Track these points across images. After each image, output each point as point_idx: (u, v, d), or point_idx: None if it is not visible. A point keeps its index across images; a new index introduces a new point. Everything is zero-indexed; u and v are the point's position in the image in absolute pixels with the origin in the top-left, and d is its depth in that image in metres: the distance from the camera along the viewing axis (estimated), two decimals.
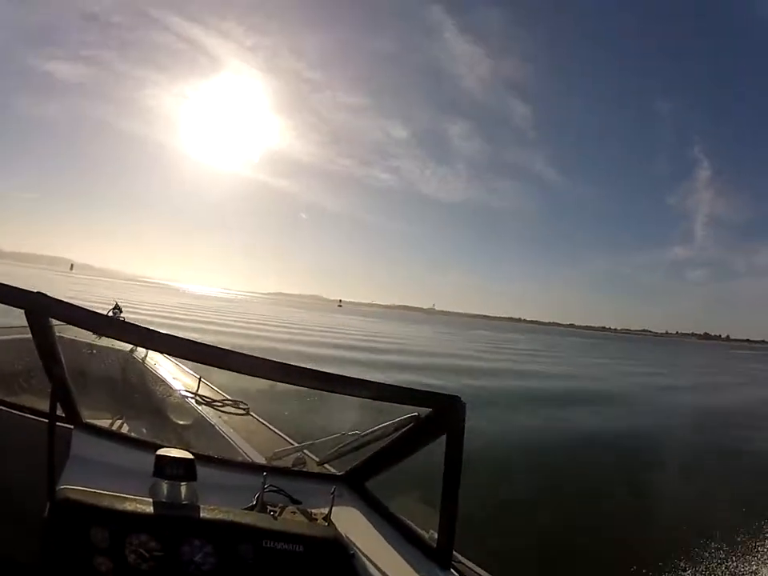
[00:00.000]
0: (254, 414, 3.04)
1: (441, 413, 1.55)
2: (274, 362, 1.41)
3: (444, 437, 1.52)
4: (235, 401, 3.14)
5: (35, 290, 1.35)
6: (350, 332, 34.76)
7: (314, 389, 1.61)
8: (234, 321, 32.47)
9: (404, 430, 1.69)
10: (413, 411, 1.63)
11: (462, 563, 1.65)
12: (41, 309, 1.39)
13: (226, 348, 1.42)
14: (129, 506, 1.30)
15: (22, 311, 1.39)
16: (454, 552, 1.59)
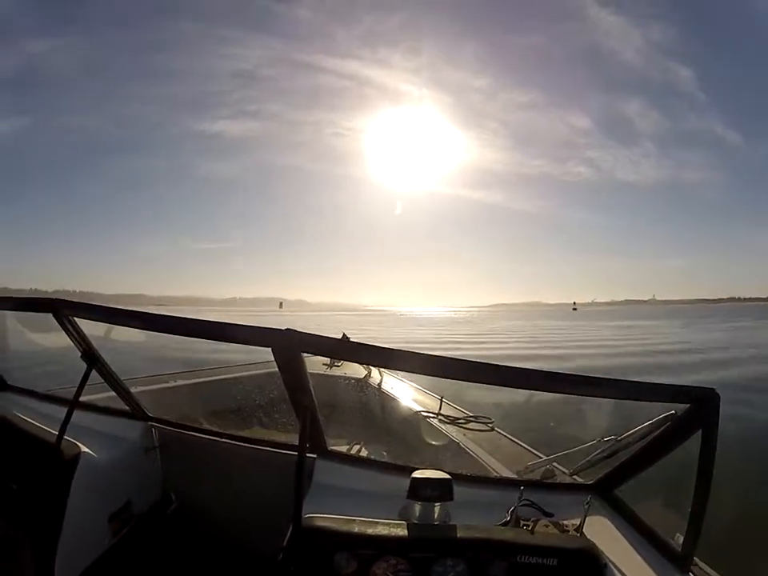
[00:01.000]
0: (498, 429, 3.00)
1: (697, 408, 1.39)
2: (518, 369, 1.41)
3: (696, 434, 1.38)
4: (478, 417, 3.13)
5: (284, 328, 1.47)
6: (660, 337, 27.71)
7: (548, 391, 1.52)
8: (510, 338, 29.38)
9: (660, 430, 1.54)
10: (662, 409, 1.49)
11: (702, 569, 1.51)
12: (291, 344, 1.50)
13: (460, 358, 1.43)
14: (381, 530, 1.36)
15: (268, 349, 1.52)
16: (697, 559, 1.49)
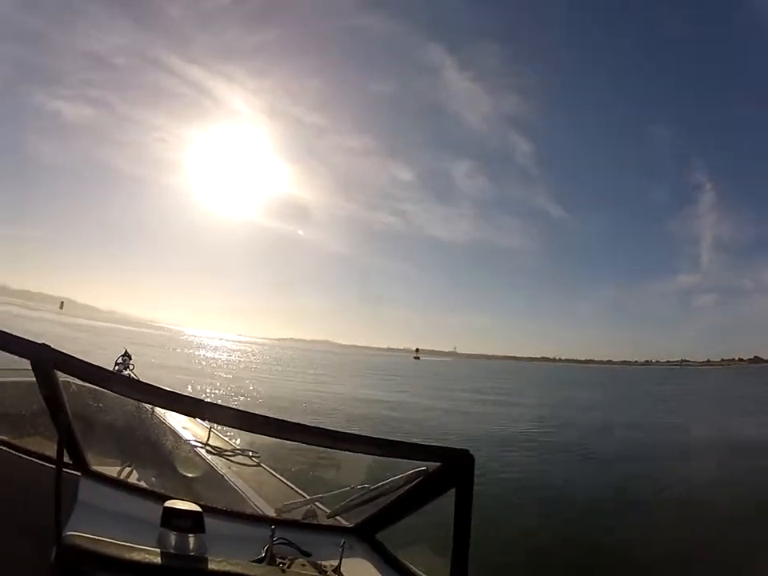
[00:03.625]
0: (264, 466, 3.02)
1: (450, 467, 1.55)
2: (278, 420, 1.43)
3: (453, 490, 1.52)
4: (246, 451, 3.12)
5: (40, 342, 1.36)
6: None
7: (319, 446, 1.62)
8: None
9: (413, 483, 1.69)
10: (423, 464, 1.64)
11: None
12: (44, 361, 1.40)
13: (229, 406, 1.46)
14: (136, 556, 1.30)
15: None
16: None
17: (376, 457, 1.76)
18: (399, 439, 1.71)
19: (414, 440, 1.66)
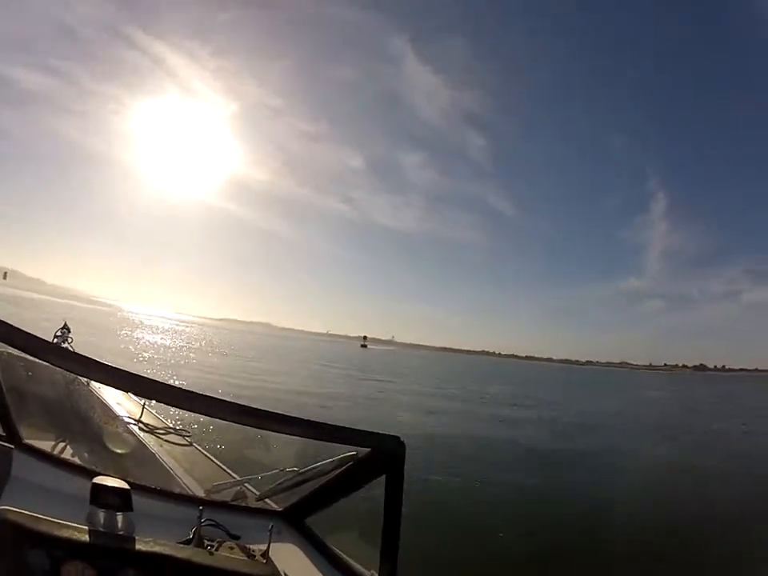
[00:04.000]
0: (196, 446, 3.00)
1: (380, 453, 1.55)
2: (209, 396, 1.40)
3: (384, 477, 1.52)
4: (178, 430, 3.09)
5: None
6: None
7: (248, 425, 1.59)
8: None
9: (343, 468, 1.69)
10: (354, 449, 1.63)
11: None
12: None
13: (164, 382, 1.44)
14: (65, 533, 1.30)
15: None
16: None
17: (308, 440, 1.72)
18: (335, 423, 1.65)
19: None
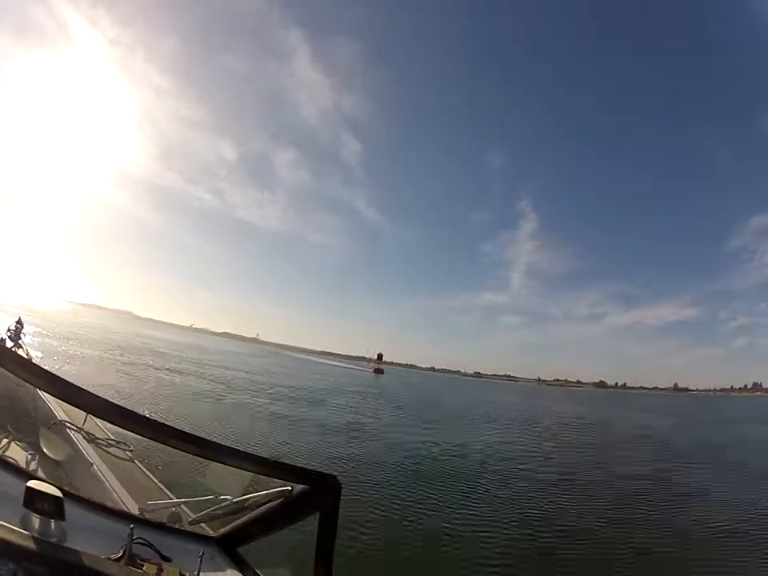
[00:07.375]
0: (137, 462, 2.97)
1: (314, 491, 1.57)
2: (156, 422, 1.41)
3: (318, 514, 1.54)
4: (120, 443, 3.03)
5: None
6: None
7: (186, 452, 1.59)
8: None
9: (279, 501, 1.72)
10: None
11: None
12: None
13: (110, 400, 1.42)
14: (2, 534, 1.27)
15: None
16: None
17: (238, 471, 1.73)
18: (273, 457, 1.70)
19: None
